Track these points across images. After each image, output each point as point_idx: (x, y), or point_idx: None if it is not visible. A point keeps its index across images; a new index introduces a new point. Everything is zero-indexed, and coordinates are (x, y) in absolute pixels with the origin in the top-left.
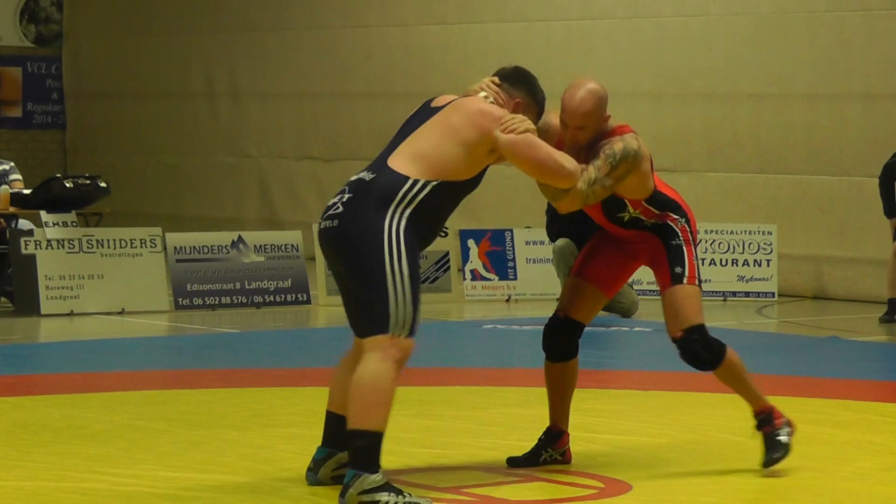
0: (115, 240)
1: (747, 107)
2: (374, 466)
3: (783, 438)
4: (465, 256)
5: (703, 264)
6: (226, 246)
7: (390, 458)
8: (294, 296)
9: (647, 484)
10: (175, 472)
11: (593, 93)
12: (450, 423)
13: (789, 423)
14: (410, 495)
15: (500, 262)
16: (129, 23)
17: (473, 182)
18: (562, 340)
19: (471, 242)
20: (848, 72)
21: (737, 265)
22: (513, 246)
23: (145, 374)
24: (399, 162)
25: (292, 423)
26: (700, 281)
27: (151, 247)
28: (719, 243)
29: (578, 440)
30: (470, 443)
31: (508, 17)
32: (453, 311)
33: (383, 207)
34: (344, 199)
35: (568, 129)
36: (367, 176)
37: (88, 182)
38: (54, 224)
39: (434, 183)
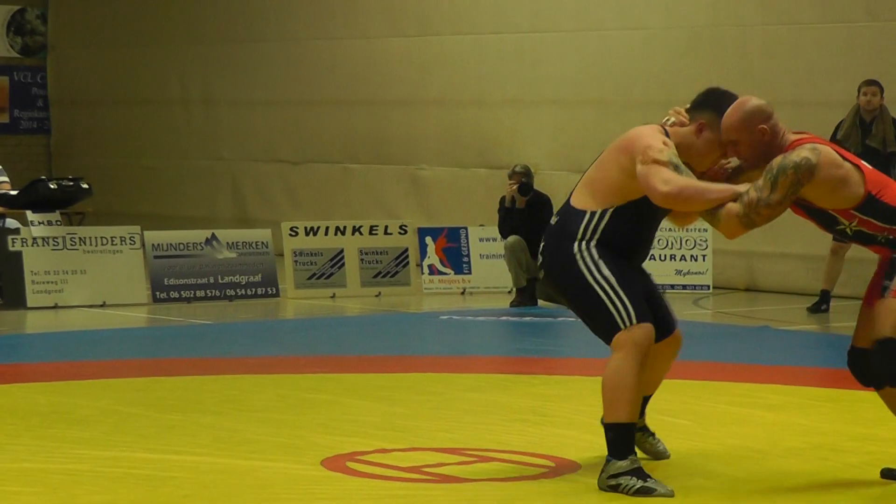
0: (96, 237)
1: None
2: (623, 453)
3: None
4: (423, 252)
5: None
6: (200, 243)
7: (356, 439)
8: (264, 289)
9: (595, 462)
10: (153, 453)
11: (738, 106)
12: (410, 407)
13: None
14: (654, 481)
15: (456, 257)
16: (109, 35)
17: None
18: (864, 370)
19: (428, 239)
20: (777, 80)
21: (675, 260)
22: (467, 243)
23: (125, 363)
24: (578, 197)
25: (263, 408)
26: None
27: (131, 244)
28: (658, 240)
29: (530, 423)
30: (428, 426)
31: (463, 29)
32: (412, 303)
33: (571, 243)
34: (542, 250)
35: (727, 147)
36: (554, 220)
37: (72, 184)
38: (40, 223)
39: (611, 210)
